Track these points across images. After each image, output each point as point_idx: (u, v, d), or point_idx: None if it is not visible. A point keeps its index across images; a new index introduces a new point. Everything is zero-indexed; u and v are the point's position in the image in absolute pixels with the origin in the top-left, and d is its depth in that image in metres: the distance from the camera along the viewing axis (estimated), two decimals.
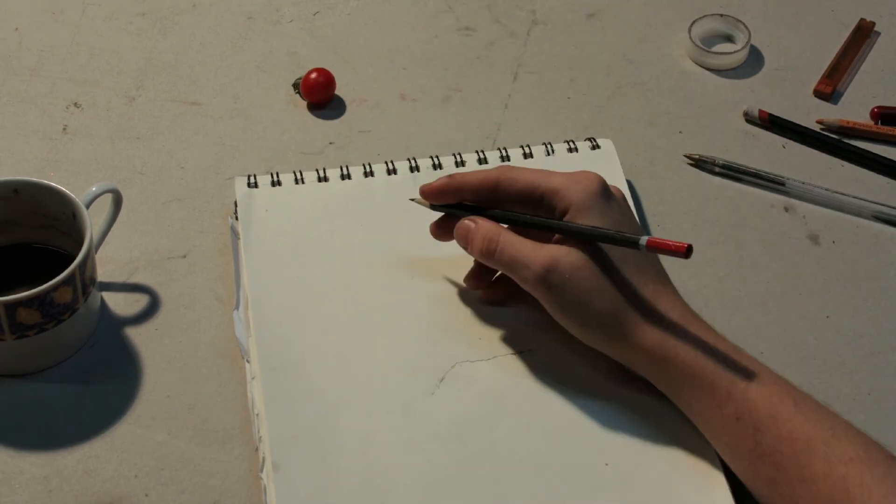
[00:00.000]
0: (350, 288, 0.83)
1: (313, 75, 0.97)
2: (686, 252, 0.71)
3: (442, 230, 0.83)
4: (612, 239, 0.75)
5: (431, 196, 0.82)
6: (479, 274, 0.82)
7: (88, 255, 0.78)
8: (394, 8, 1.05)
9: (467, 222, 0.80)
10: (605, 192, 0.77)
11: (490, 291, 0.83)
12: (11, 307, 0.76)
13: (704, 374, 0.73)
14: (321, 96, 0.97)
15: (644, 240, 0.73)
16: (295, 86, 0.97)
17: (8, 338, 0.77)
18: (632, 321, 0.75)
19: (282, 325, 0.81)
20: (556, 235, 0.77)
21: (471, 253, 0.80)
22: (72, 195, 0.80)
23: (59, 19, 1.03)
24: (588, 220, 0.76)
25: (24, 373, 0.80)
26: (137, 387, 0.80)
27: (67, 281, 0.77)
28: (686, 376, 0.74)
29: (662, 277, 0.78)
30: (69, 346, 0.81)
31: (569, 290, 0.75)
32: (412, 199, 0.84)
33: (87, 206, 0.80)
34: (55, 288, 0.76)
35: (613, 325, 0.75)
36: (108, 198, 0.84)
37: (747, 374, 0.72)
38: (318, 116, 0.96)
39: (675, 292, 0.77)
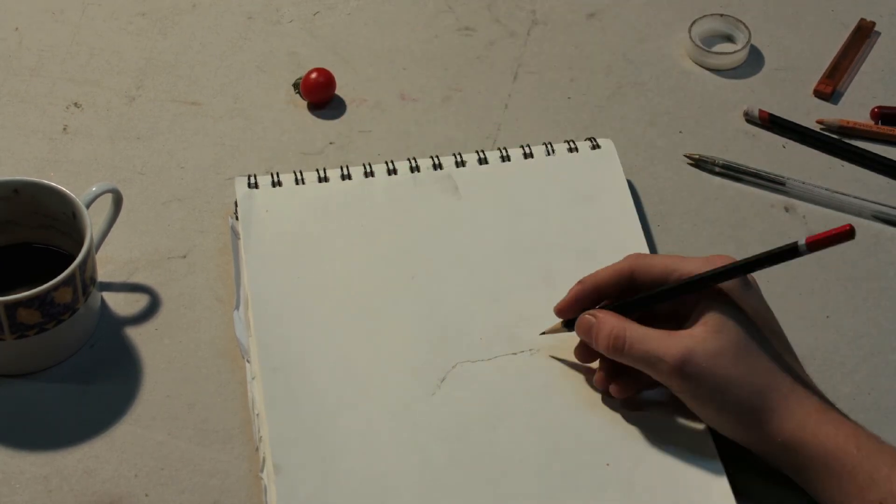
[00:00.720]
0: (350, 288, 0.83)
1: (313, 75, 0.97)
2: (850, 233, 0.69)
3: (584, 352, 0.79)
4: (766, 260, 0.73)
5: (568, 310, 0.78)
6: (607, 371, 0.78)
7: (89, 255, 0.78)
8: (394, 8, 1.05)
9: (588, 317, 0.77)
10: (743, 277, 0.75)
11: (622, 388, 0.78)
12: (12, 307, 0.76)
13: (845, 460, 0.71)
14: (321, 96, 0.97)
15: (802, 241, 0.70)
16: (295, 86, 0.97)
17: (8, 338, 0.77)
18: (769, 409, 0.73)
19: (282, 326, 0.81)
20: (689, 321, 0.75)
21: (597, 349, 0.76)
22: (72, 195, 0.80)
23: (59, 19, 1.03)
24: (726, 305, 0.74)
25: (24, 373, 0.80)
26: (137, 387, 0.80)
27: (67, 281, 0.77)
28: (823, 464, 0.72)
29: (795, 359, 0.76)
30: (69, 346, 0.81)
31: (705, 380, 0.73)
32: (544, 333, 0.80)
33: (88, 206, 0.80)
34: (55, 288, 0.76)
35: (750, 414, 0.73)
36: (109, 198, 0.84)
37: (889, 459, 0.71)
38: (319, 116, 0.96)
39: (807, 377, 0.76)
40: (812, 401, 0.73)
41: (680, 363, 0.73)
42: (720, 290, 0.74)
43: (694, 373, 0.73)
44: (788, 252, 0.72)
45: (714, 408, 0.74)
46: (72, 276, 0.77)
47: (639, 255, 0.78)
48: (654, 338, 0.74)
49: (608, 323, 0.76)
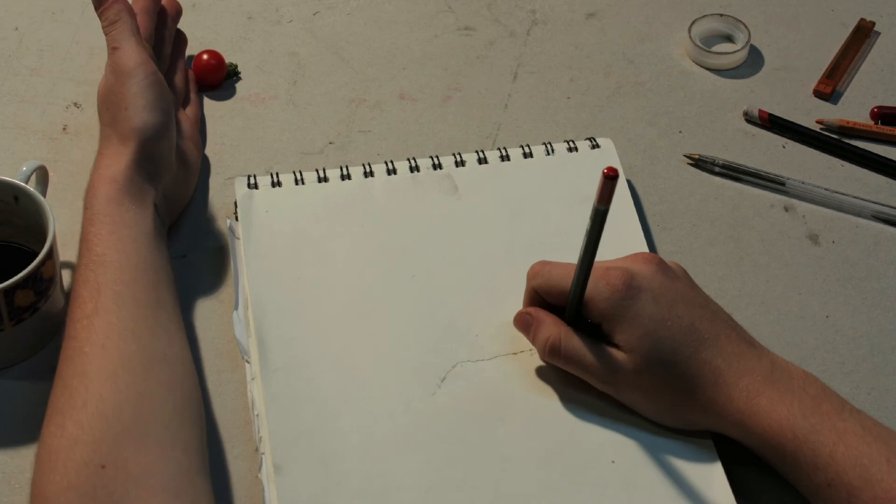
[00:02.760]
0: (350, 288, 0.83)
1: (205, 56, 0.97)
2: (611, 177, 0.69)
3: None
4: (594, 241, 0.73)
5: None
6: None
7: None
8: (393, 8, 1.05)
9: (525, 315, 0.79)
10: (630, 290, 0.75)
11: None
12: (10, 292, 0.76)
13: (786, 444, 0.71)
14: (212, 78, 0.97)
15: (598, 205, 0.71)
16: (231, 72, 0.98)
17: (7, 326, 0.77)
18: (700, 408, 0.74)
19: (282, 326, 0.81)
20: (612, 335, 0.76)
21: (534, 346, 0.79)
22: (8, 179, 0.81)
23: (59, 19, 1.03)
24: (618, 331, 0.75)
25: (22, 359, 0.80)
26: None
27: (49, 254, 0.78)
28: (769, 452, 0.73)
29: (738, 336, 0.76)
30: (58, 321, 0.81)
31: (635, 394, 0.76)
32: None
33: (27, 182, 0.81)
34: (42, 263, 0.77)
35: (684, 415, 0.75)
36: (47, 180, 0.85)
37: (831, 437, 0.70)
38: (318, 116, 0.96)
39: (749, 350, 0.75)
40: (742, 384, 0.73)
41: (606, 382, 0.76)
42: (615, 318, 0.75)
43: (622, 388, 0.76)
44: (597, 218, 0.72)
45: (651, 413, 0.76)
46: (52, 249, 0.78)
47: (536, 273, 0.79)
48: (585, 354, 0.76)
49: (545, 328, 0.78)
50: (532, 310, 0.79)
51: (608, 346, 0.76)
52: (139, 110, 0.82)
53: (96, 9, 0.86)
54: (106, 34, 0.86)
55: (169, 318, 0.77)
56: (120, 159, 0.81)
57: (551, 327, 0.77)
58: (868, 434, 0.71)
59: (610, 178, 0.68)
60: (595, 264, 0.75)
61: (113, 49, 0.85)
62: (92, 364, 0.71)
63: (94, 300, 0.74)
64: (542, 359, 0.79)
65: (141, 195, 0.81)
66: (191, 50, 1.00)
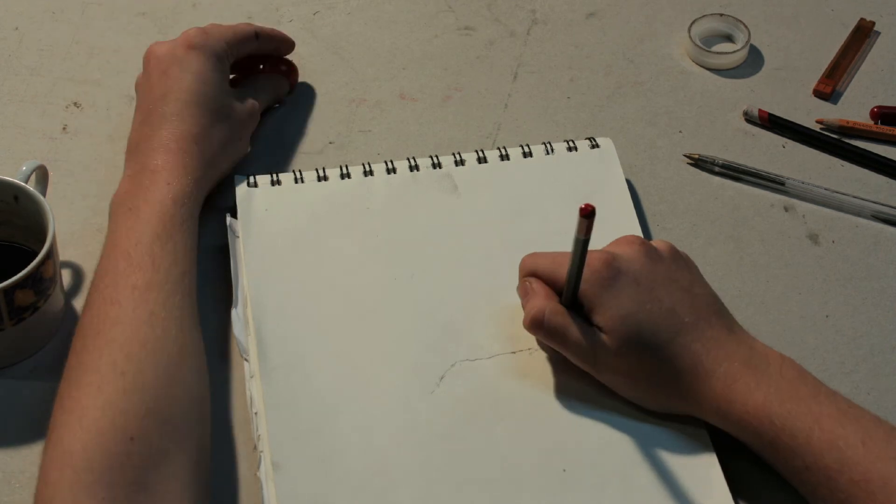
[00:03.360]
0: (350, 287, 0.83)
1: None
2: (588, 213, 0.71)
3: None
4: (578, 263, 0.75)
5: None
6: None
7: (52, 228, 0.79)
8: (393, 7, 1.05)
9: (525, 284, 0.80)
10: (611, 272, 0.76)
11: None
12: (10, 291, 0.76)
13: (764, 430, 0.72)
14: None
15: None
16: None
17: (7, 325, 0.77)
18: (680, 394, 0.75)
19: (281, 325, 0.81)
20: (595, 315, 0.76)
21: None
22: (8, 179, 0.81)
23: (59, 19, 1.03)
24: (598, 312, 0.76)
25: (22, 358, 0.80)
26: None
27: (49, 253, 0.78)
28: (748, 433, 0.73)
29: (719, 321, 0.77)
30: (56, 320, 0.82)
31: (616, 376, 0.77)
32: None
33: (26, 181, 0.81)
34: (42, 262, 0.77)
35: (668, 398, 0.76)
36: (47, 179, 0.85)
37: (807, 421, 0.71)
38: (319, 116, 0.96)
39: (728, 335, 0.76)
40: (720, 371, 0.74)
41: (586, 362, 0.77)
42: (602, 277, 0.76)
43: (602, 369, 0.76)
44: (578, 246, 0.73)
45: (631, 396, 0.77)
46: (52, 249, 0.78)
47: (524, 266, 0.80)
48: (568, 331, 0.76)
49: (536, 299, 0.78)
50: (532, 280, 0.80)
51: (591, 326, 0.76)
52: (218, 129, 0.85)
53: None
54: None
55: (197, 320, 0.78)
56: (185, 176, 0.83)
57: (541, 300, 0.78)
58: (844, 416, 0.71)
59: (586, 215, 0.70)
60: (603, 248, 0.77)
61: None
62: (137, 335, 0.72)
63: (145, 275, 0.75)
64: (525, 328, 0.78)
65: (199, 205, 0.84)
66: None
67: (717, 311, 0.77)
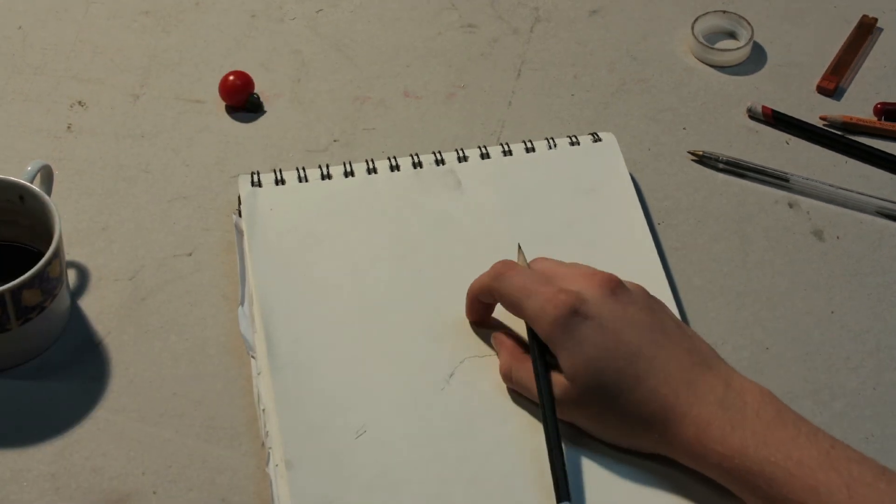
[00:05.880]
0: (356, 284, 0.84)
1: (231, 77, 0.96)
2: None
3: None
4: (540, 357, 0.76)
5: (471, 314, 0.81)
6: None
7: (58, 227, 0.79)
8: (397, 5, 1.05)
9: (495, 337, 0.80)
10: (575, 317, 0.73)
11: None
12: (17, 291, 0.76)
13: (740, 476, 0.69)
14: (237, 99, 0.96)
15: None
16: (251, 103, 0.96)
17: (14, 325, 0.77)
18: (656, 434, 0.72)
19: (289, 323, 0.81)
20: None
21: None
22: (13, 179, 0.81)
23: (63, 18, 1.03)
24: (562, 357, 0.73)
25: (28, 359, 0.80)
26: (144, 384, 0.80)
27: (56, 253, 0.78)
28: (724, 477, 0.70)
29: (690, 359, 0.73)
30: (62, 320, 0.82)
31: (583, 422, 0.75)
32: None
33: (31, 181, 0.81)
34: (49, 262, 0.77)
35: (641, 436, 0.73)
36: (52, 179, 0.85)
37: (787, 467, 0.67)
38: (323, 114, 0.97)
39: (699, 375, 0.72)
40: (692, 414, 0.70)
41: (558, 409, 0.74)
42: (566, 321, 0.73)
43: (569, 415, 0.74)
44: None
45: (604, 438, 0.75)
46: (58, 249, 0.78)
47: (498, 274, 0.78)
48: (532, 383, 0.75)
49: (502, 355, 0.78)
50: (498, 335, 0.79)
51: (556, 372, 0.74)
52: None
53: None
54: None
55: None
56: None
57: (506, 356, 0.78)
58: (826, 459, 0.67)
59: None
60: (550, 274, 0.76)
61: None
62: None
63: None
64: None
65: None
66: (211, 60, 1.00)
67: (690, 349, 0.73)
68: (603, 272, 0.76)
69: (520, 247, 0.81)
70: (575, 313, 0.73)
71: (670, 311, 0.77)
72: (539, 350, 0.75)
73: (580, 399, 0.73)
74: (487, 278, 0.78)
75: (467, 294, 0.80)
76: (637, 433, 0.73)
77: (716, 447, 0.69)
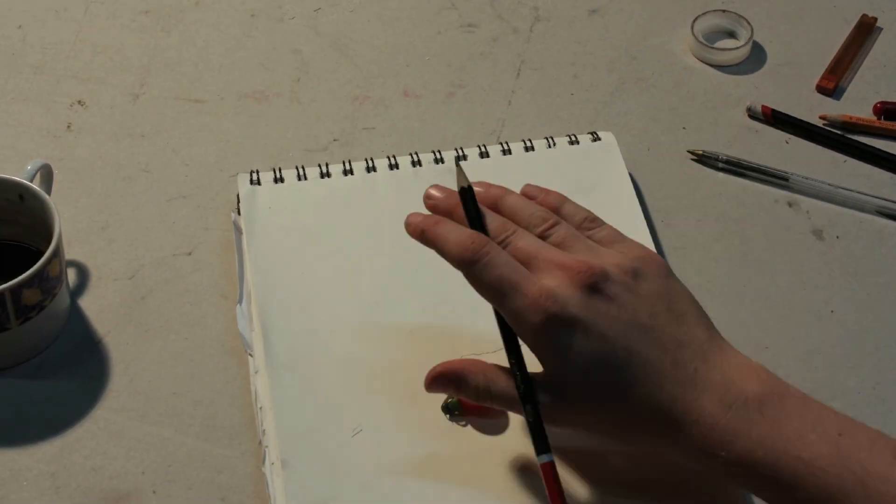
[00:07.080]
0: (354, 283, 0.84)
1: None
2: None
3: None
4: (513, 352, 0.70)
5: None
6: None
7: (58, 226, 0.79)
8: (396, 4, 1.05)
9: (440, 377, 0.72)
10: (558, 323, 0.67)
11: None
12: (17, 290, 0.76)
13: (747, 479, 0.65)
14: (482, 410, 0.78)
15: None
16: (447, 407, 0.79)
17: (14, 325, 0.77)
18: (653, 440, 0.68)
19: (287, 322, 0.81)
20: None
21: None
22: (13, 178, 0.81)
23: (63, 17, 1.03)
24: (546, 364, 0.69)
25: (27, 358, 0.81)
26: (144, 383, 0.80)
27: (56, 252, 0.78)
28: (731, 479, 0.67)
29: (684, 359, 0.67)
30: (62, 319, 0.82)
31: (572, 427, 0.71)
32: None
33: (31, 181, 0.81)
34: (49, 261, 0.77)
35: (634, 446, 0.71)
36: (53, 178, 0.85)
37: (795, 470, 0.64)
38: (322, 113, 0.97)
39: (696, 373, 0.67)
40: (691, 419, 0.66)
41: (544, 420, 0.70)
42: (549, 326, 0.67)
43: (558, 424, 0.70)
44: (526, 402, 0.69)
45: (597, 442, 0.73)
46: (58, 248, 0.78)
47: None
48: (515, 395, 0.70)
49: (470, 379, 0.72)
50: (445, 370, 0.72)
51: (544, 380, 0.69)
52: None
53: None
54: None
55: None
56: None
57: (476, 376, 0.71)
58: (837, 452, 0.64)
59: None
60: (532, 255, 0.70)
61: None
62: None
63: None
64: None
65: None
66: (210, 60, 1.00)
67: (683, 345, 0.68)
68: (581, 262, 0.69)
69: (459, 166, 0.76)
70: (556, 321, 0.67)
71: (663, 284, 0.70)
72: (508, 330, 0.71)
73: (570, 408, 0.69)
74: (457, 263, 0.71)
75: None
76: (634, 440, 0.70)
77: (720, 453, 0.65)
